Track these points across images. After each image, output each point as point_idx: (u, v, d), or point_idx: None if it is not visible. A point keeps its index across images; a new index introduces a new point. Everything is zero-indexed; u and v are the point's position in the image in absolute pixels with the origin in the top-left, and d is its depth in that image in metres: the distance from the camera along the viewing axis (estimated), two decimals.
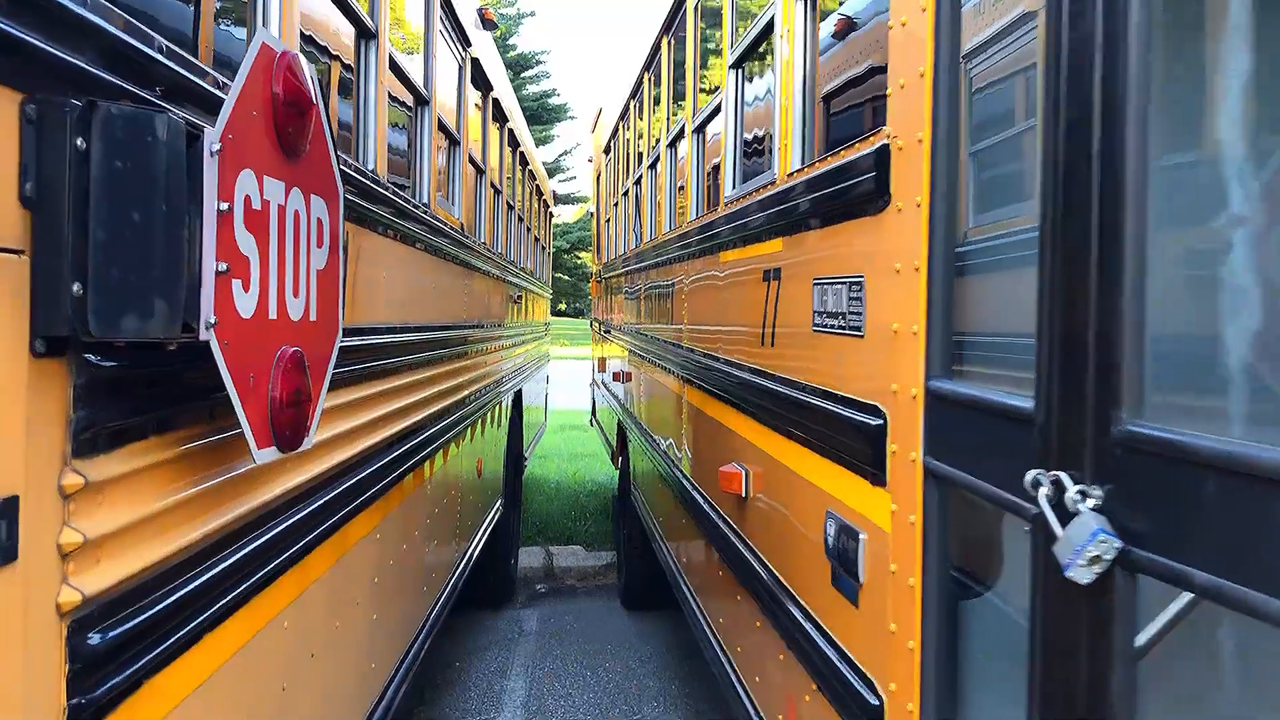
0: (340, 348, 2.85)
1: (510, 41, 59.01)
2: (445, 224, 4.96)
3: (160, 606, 1.80)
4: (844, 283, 2.63)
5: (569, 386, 25.63)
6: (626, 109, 8.79)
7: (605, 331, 11.01)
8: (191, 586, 1.93)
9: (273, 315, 1.94)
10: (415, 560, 4.50)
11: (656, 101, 6.99)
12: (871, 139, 2.44)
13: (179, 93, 1.80)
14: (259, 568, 2.27)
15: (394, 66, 3.86)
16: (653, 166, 7.24)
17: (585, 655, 7.63)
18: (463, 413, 5.69)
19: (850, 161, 2.58)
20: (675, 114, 6.16)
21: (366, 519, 3.46)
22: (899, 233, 2.26)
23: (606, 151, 11.24)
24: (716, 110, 4.65)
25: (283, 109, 1.93)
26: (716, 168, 4.76)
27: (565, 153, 66.93)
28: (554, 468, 15.16)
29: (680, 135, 5.82)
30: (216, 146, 1.70)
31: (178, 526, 1.86)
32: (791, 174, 3.21)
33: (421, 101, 4.63)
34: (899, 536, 2.24)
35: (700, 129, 5.22)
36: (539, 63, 65.38)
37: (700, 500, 4.71)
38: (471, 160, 6.28)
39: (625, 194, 9.14)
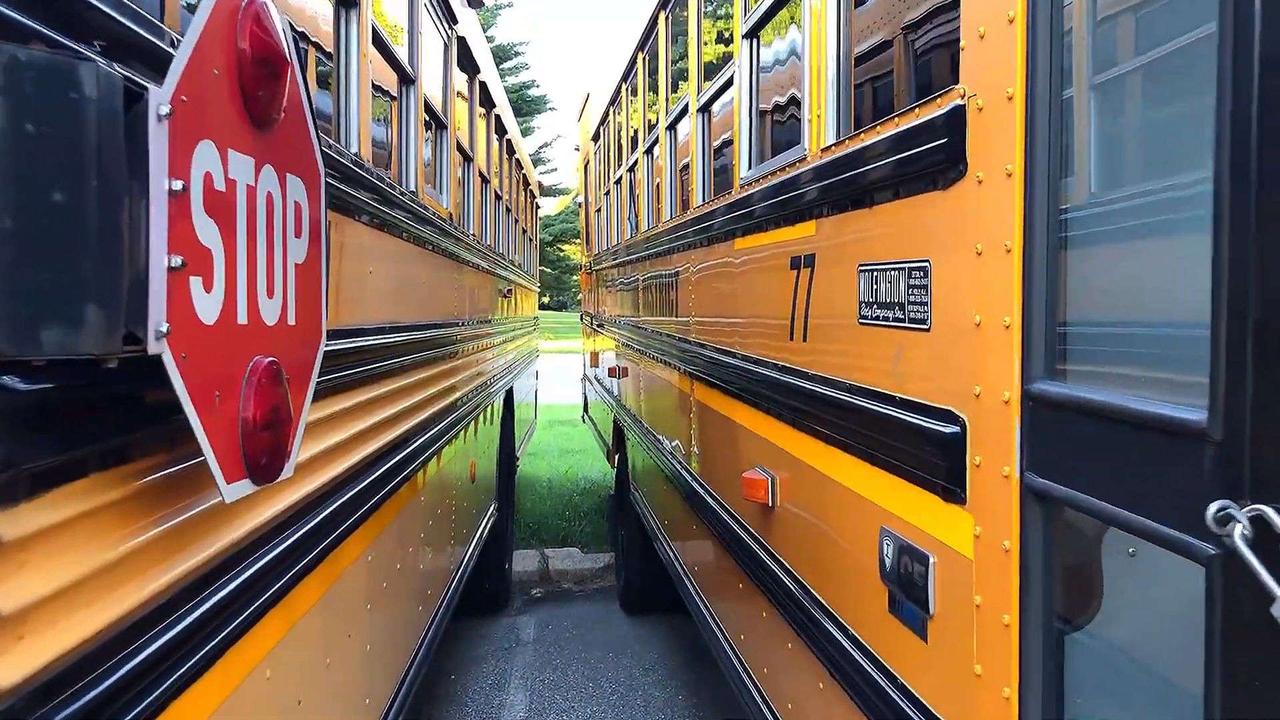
0: (325, 353, 2.51)
1: (489, 33, 58.45)
2: (434, 214, 4.60)
3: (111, 681, 1.46)
4: (901, 268, 2.30)
5: (557, 380, 25.26)
6: (618, 93, 8.43)
7: (597, 325, 10.66)
8: (151, 649, 1.58)
9: (243, 320, 1.59)
10: (410, 579, 4.15)
11: (653, 82, 6.64)
12: (939, 101, 2.11)
13: (130, 52, 1.44)
14: (234, 615, 1.92)
15: (377, 40, 3.50)
16: (650, 151, 6.88)
17: (586, 664, 7.29)
18: (456, 415, 5.34)
19: (909, 130, 2.24)
20: (676, 94, 5.81)
21: (357, 542, 3.11)
22: (980, 208, 1.93)
23: (595, 139, 10.87)
24: (726, 85, 4.30)
25: (251, 68, 1.58)
26: (727, 148, 4.42)
27: (546, 144, 66.56)
28: (545, 465, 14.81)
29: (682, 115, 5.47)
30: (166, 110, 1.35)
31: (130, 580, 1.51)
32: (827, 148, 2.87)
33: (406, 80, 4.26)
34: (987, 564, 1.91)
35: (706, 107, 4.87)
36: (518, 54, 64.92)
37: (715, 505, 4.38)
38: (459, 147, 5.92)
39: (618, 182, 8.78)
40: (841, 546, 2.79)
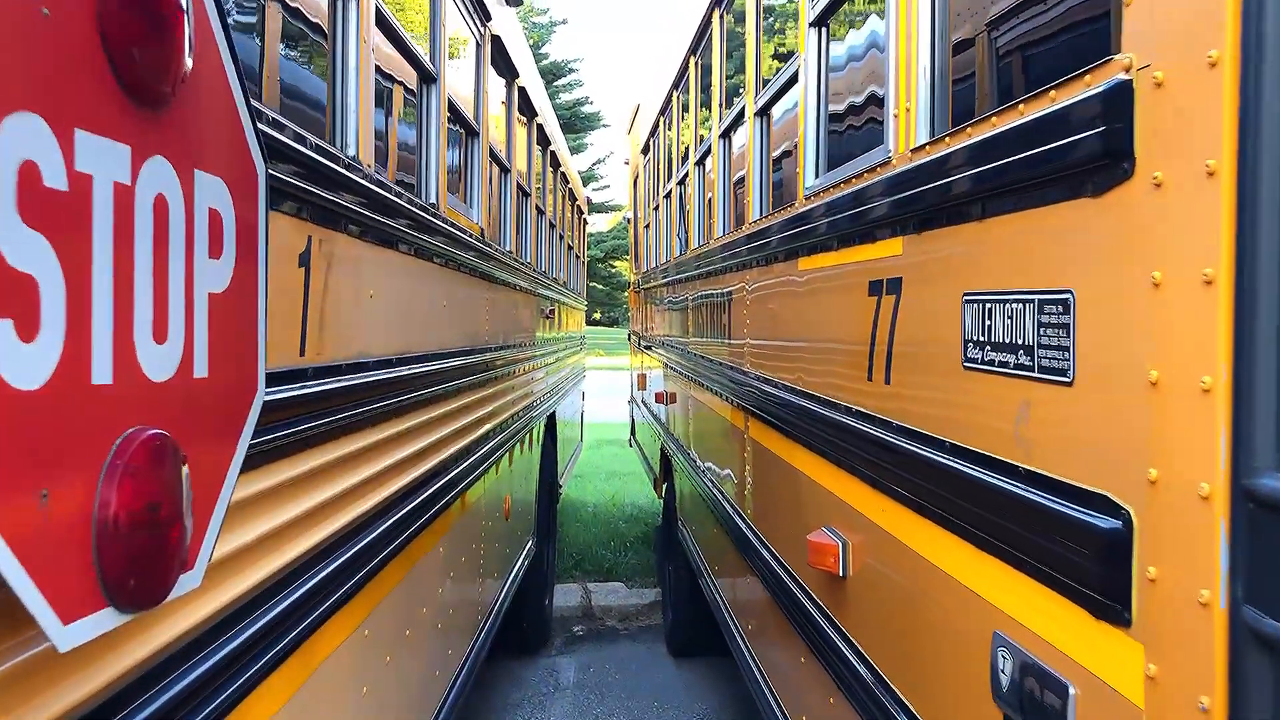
0: (298, 398, 2.02)
1: (543, 50, 58.58)
2: (459, 229, 4.12)
3: None
4: (1026, 300, 1.75)
5: (605, 398, 24.78)
6: (668, 102, 7.93)
7: (645, 346, 10.14)
8: None
9: (102, 379, 1.10)
10: (422, 647, 3.66)
11: (705, 88, 6.13)
12: (1087, 78, 1.56)
13: None
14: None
15: (383, 24, 3.02)
16: (701, 162, 6.37)
17: (629, 715, 6.75)
18: (486, 449, 4.86)
19: (1040, 120, 1.70)
20: (730, 99, 5.30)
21: (349, 616, 2.62)
22: (1158, 222, 1.38)
23: (645, 152, 10.39)
24: (789, 84, 3.77)
25: (118, 13, 1.09)
26: (789, 156, 3.90)
27: (599, 161, 66.61)
28: (591, 489, 14.31)
29: (737, 122, 4.95)
30: None
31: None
32: (918, 148, 2.33)
33: (426, 77, 3.79)
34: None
35: (764, 111, 4.34)
36: (571, 70, 65.13)
37: (772, 560, 3.83)
38: (494, 157, 5.45)
39: (667, 196, 8.28)
40: (936, 642, 2.24)
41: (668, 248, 8.39)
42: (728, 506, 4.87)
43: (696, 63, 6.43)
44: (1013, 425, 1.82)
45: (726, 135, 5.35)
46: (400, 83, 3.54)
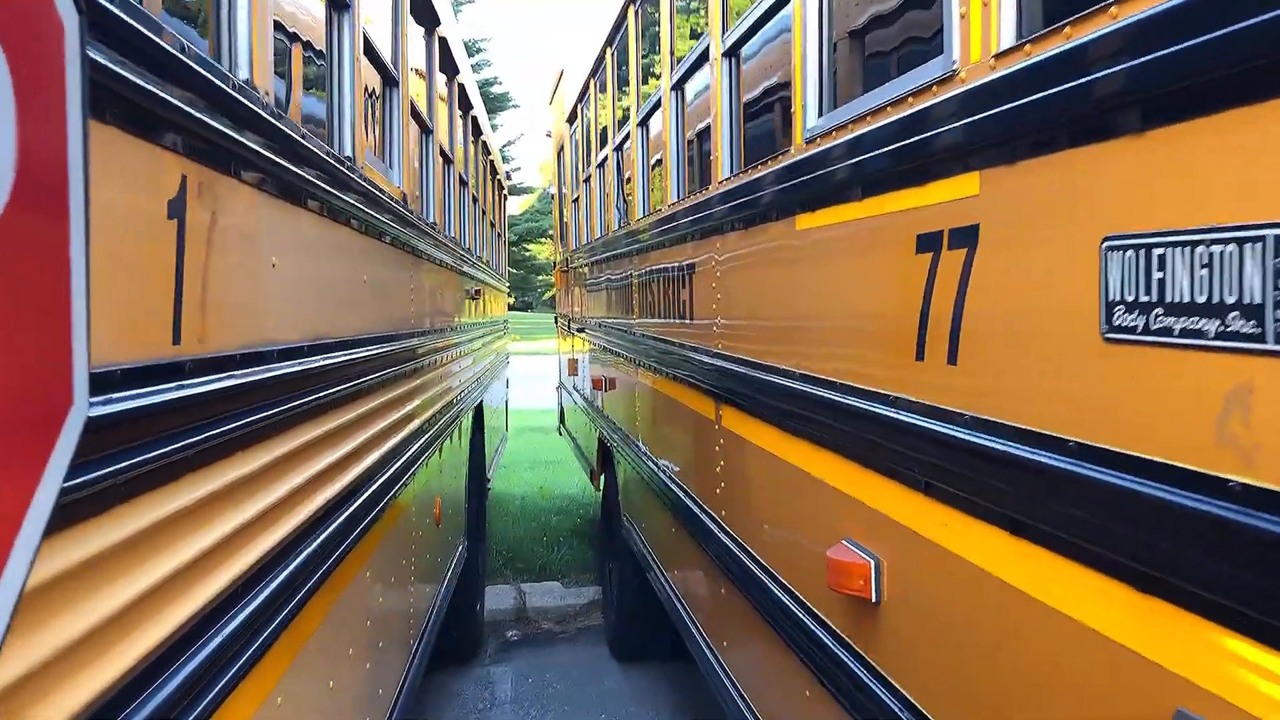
0: (170, 404, 1.39)
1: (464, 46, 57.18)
2: (379, 190, 3.46)
3: None
4: (1251, 239, 1.20)
5: (526, 383, 24.03)
6: (601, 61, 7.30)
7: (577, 329, 9.51)
8: None
9: None
10: (353, 686, 3.02)
11: (649, 34, 5.52)
12: None
13: None
14: None
15: None
16: (645, 122, 5.77)
17: None
18: (415, 450, 4.21)
19: None
20: (684, 44, 4.70)
21: (264, 674, 1.98)
22: None
23: (571, 120, 9.73)
24: (775, 8, 3.18)
25: None
26: (774, 96, 3.33)
27: (510, 143, 65.48)
28: (518, 480, 13.64)
29: (696, 67, 4.36)
30: None
31: None
32: (1005, 53, 1.76)
33: (339, 4, 3.12)
34: None
35: (735, 50, 3.75)
36: (480, 50, 63.90)
37: (760, 574, 3.28)
38: (415, 114, 4.77)
39: (601, 165, 7.65)
40: (1049, 712, 1.69)
41: (602, 222, 7.78)
42: (692, 506, 4.30)
43: (636, 12, 5.82)
44: (1214, 420, 1.27)
45: (680, 87, 4.75)
46: (307, 8, 2.87)
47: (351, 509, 2.92)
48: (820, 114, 2.77)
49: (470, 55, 60.85)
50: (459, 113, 7.06)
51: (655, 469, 5.29)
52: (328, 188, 2.64)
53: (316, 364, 2.52)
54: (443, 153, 5.89)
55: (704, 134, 4.26)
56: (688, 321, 4.37)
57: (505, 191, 13.69)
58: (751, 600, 3.39)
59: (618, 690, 6.84)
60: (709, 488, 4.05)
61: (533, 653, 7.68)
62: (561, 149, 10.93)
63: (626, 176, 6.52)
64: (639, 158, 5.85)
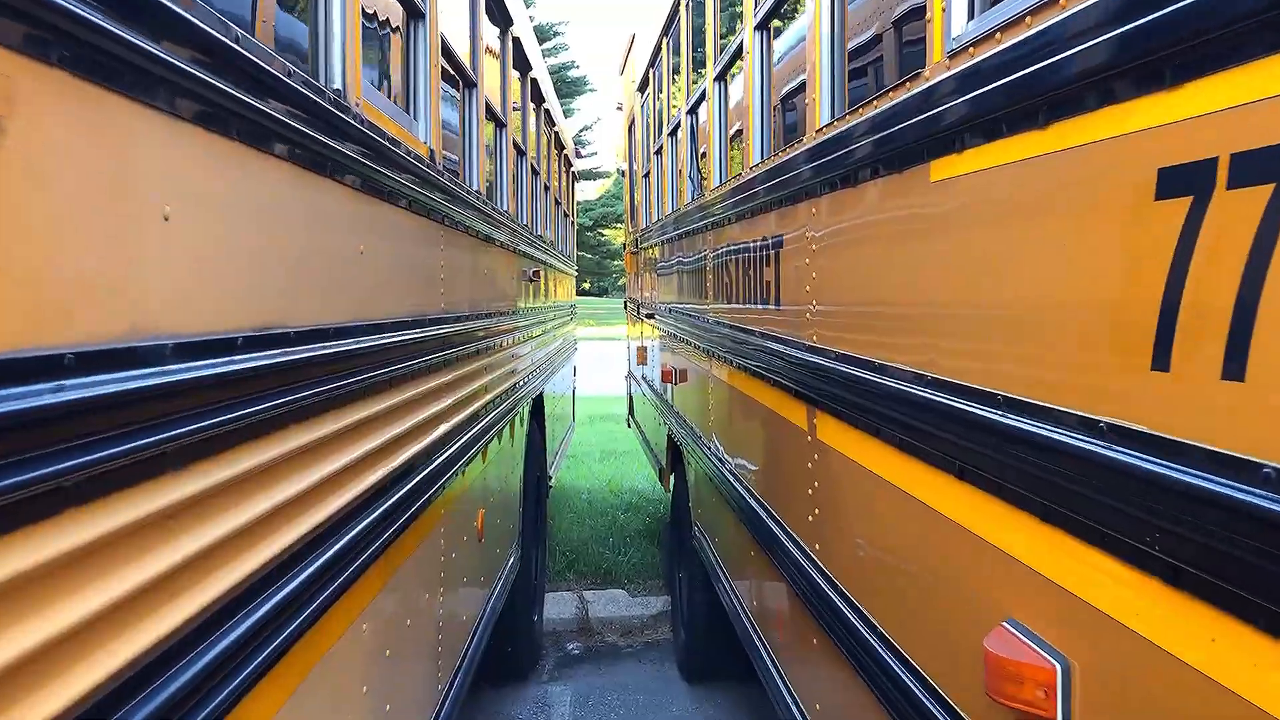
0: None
1: (529, 13, 56.84)
2: (389, 140, 2.75)
3: None
4: None
5: (598, 369, 23.41)
6: (675, 15, 6.52)
7: (646, 315, 8.77)
8: None
9: None
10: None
11: None
12: None
13: None
14: None
15: None
16: (722, 77, 4.99)
17: None
18: (444, 457, 3.53)
19: None
20: None
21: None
22: None
23: (643, 88, 8.97)
24: None
25: None
26: (888, 15, 2.53)
27: (586, 128, 65.02)
28: (585, 472, 12.99)
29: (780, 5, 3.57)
30: None
31: None
32: None
33: None
34: None
35: None
36: (557, 34, 63.57)
37: (870, 637, 2.51)
38: (451, 58, 4.06)
39: (674, 131, 6.88)
40: None
41: (673, 197, 7.02)
42: (776, 530, 3.54)
43: None
44: None
45: (765, 26, 3.96)
46: None
47: (356, 529, 2.24)
48: (970, 16, 1.98)
49: (547, 39, 60.60)
50: (514, 72, 6.35)
51: (730, 478, 4.54)
52: (295, 122, 1.94)
53: (295, 357, 1.83)
54: (491, 113, 5.18)
55: (795, 79, 3.48)
56: (772, 307, 3.60)
57: (574, 168, 12.96)
58: (854, 664, 2.62)
59: (686, 716, 6.13)
60: (798, 513, 3.28)
61: (594, 669, 7.00)
62: (632, 122, 10.18)
63: (700, 143, 5.75)
64: (715, 119, 5.08)
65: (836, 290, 2.84)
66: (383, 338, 2.66)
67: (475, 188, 4.49)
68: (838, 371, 2.76)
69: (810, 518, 3.13)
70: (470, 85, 4.50)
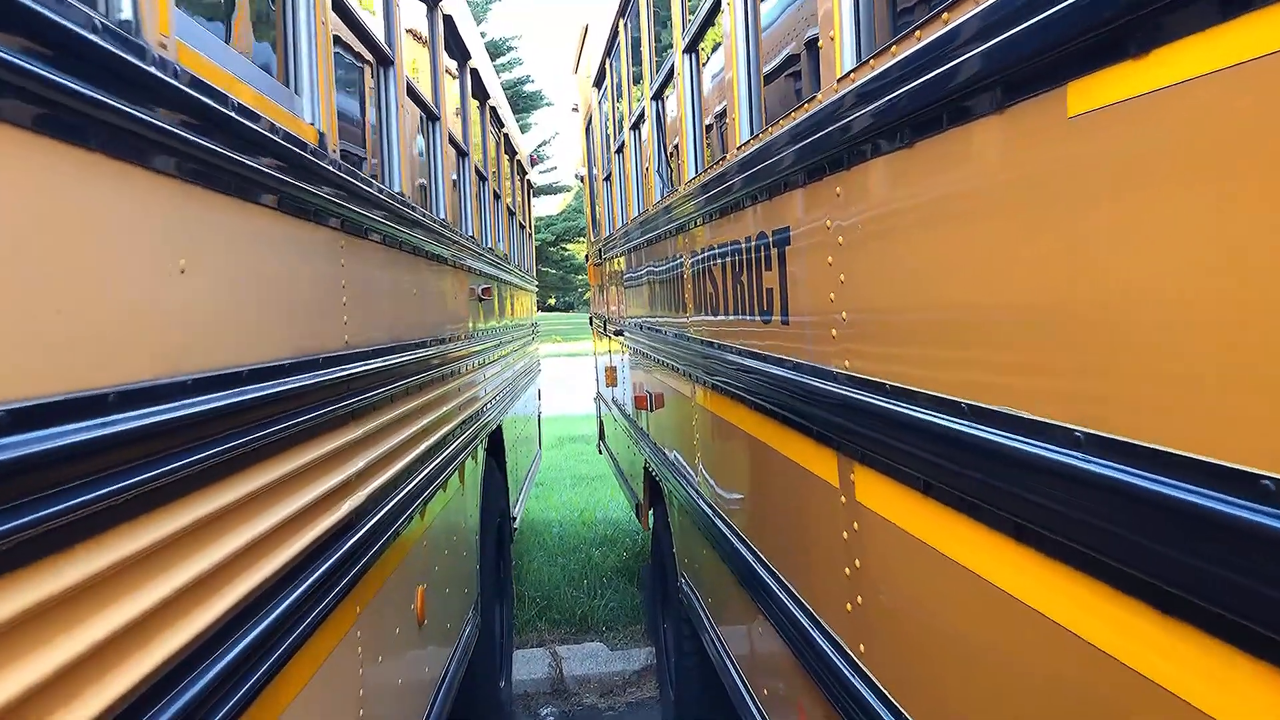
0: None
1: (479, 29, 56.10)
2: (230, 107, 1.91)
3: None
4: None
5: (564, 387, 22.51)
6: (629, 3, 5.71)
7: (615, 331, 7.92)
8: None
9: None
10: None
11: None
12: None
13: None
14: None
15: None
16: (692, 48, 4.18)
17: None
18: (366, 530, 2.70)
19: None
20: None
21: None
22: None
23: (599, 83, 8.15)
24: None
25: None
26: None
27: (544, 142, 64.20)
28: (554, 501, 12.11)
29: None
30: None
31: None
32: None
33: None
34: None
35: None
36: (511, 49, 62.86)
37: None
38: (355, 27, 3.23)
39: (637, 124, 6.07)
40: None
41: (640, 198, 6.19)
42: (797, 613, 2.72)
43: None
44: None
45: None
46: None
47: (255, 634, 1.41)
48: None
49: (501, 54, 59.83)
50: (450, 62, 5.50)
51: (726, 530, 3.71)
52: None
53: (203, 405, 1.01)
54: (416, 99, 4.32)
55: (793, 38, 2.67)
56: (776, 321, 2.78)
57: (529, 176, 12.09)
58: None
59: None
60: (830, 598, 2.46)
61: None
62: (590, 123, 9.35)
63: (670, 134, 4.95)
64: (688, 101, 4.26)
65: (882, 297, 2.02)
66: (236, 395, 1.82)
67: (396, 188, 3.63)
68: (890, 412, 1.94)
69: (849, 607, 2.31)
70: (386, 62, 3.65)
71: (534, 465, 10.58)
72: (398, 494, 3.15)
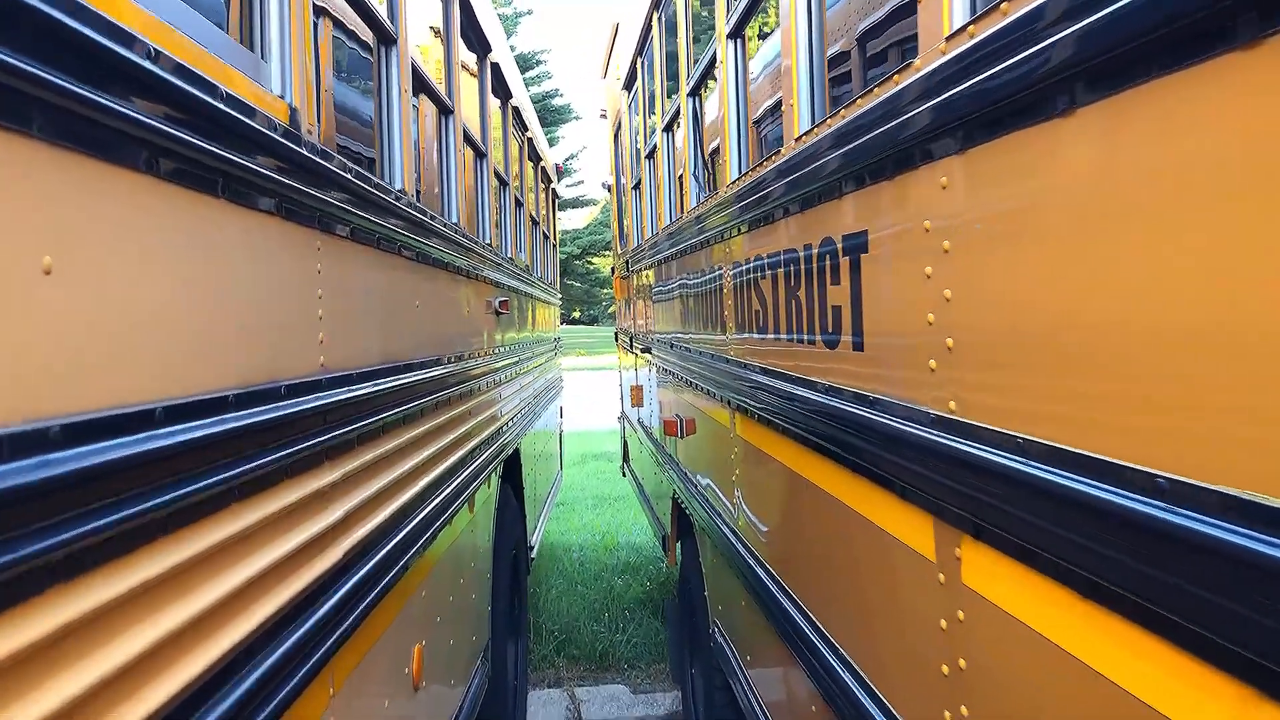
0: None
1: (509, 42, 56.01)
2: (166, 68, 1.44)
3: None
4: None
5: (587, 401, 22.00)
6: None
7: (642, 348, 7.43)
8: None
9: None
10: None
11: None
12: None
13: None
14: None
15: None
16: (736, 35, 3.70)
17: None
18: (349, 589, 2.22)
19: None
20: None
21: None
22: None
23: (630, 85, 7.68)
24: None
25: None
26: None
27: (572, 156, 63.99)
28: (575, 522, 11.60)
29: None
30: None
31: None
32: None
33: None
34: None
35: None
36: (540, 62, 62.93)
37: None
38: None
39: (670, 126, 5.58)
40: None
41: (673, 204, 5.71)
42: (864, 700, 2.21)
43: None
44: None
45: None
46: None
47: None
48: None
49: (530, 68, 59.75)
50: (467, 53, 5.04)
51: (769, 583, 3.20)
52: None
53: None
54: (434, 97, 3.85)
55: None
56: (845, 346, 2.28)
57: (554, 185, 11.62)
58: None
59: None
60: (915, 695, 1.94)
61: None
62: (619, 128, 8.88)
63: (710, 134, 4.46)
64: (732, 91, 3.77)
65: (1015, 319, 1.52)
66: (139, 444, 1.34)
67: (396, 186, 3.16)
68: (1026, 477, 1.44)
69: (948, 715, 1.79)
70: (387, 40, 3.18)
71: (555, 486, 10.09)
72: (389, 542, 2.66)
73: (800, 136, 2.68)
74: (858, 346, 2.21)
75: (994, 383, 1.59)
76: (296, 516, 1.97)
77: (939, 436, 1.75)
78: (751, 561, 3.48)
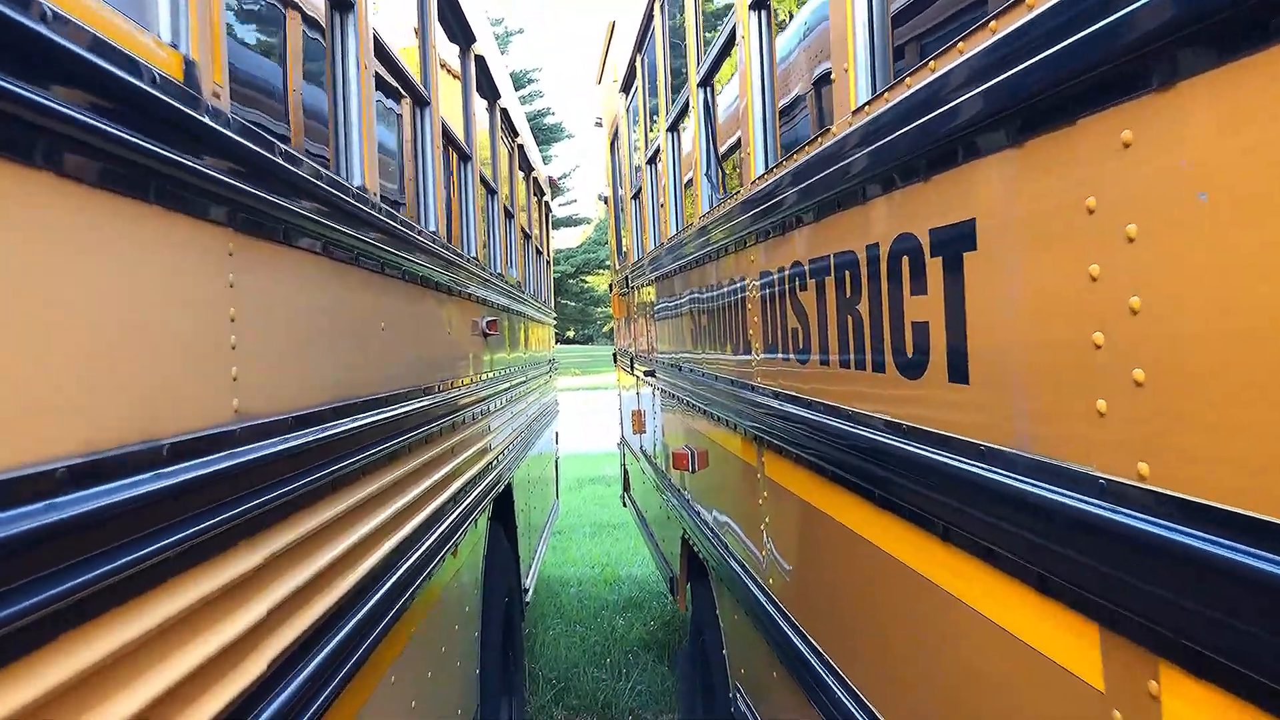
0: None
1: (502, 59, 55.76)
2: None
3: None
4: None
5: (583, 422, 21.36)
6: None
7: (645, 370, 6.85)
8: None
9: None
10: None
11: None
12: None
13: None
14: None
15: None
16: (761, 3, 3.15)
17: None
18: (301, 683, 1.64)
19: None
20: None
21: None
22: None
23: (628, 87, 7.14)
24: None
25: None
26: None
27: (565, 175, 63.55)
28: (573, 554, 10.99)
29: None
30: None
31: None
32: None
33: None
34: None
35: None
36: (531, 81, 62.74)
37: None
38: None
39: (675, 124, 5.03)
40: None
41: (678, 214, 5.15)
42: None
43: None
44: None
45: None
46: None
47: None
48: None
49: (521, 86, 59.44)
50: (449, 46, 4.49)
51: (814, 661, 2.63)
52: None
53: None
54: (415, 94, 3.29)
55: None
56: (935, 375, 1.72)
57: (547, 198, 11.07)
58: None
59: None
60: None
61: None
62: (616, 135, 8.34)
63: (724, 129, 3.91)
64: (756, 73, 3.22)
65: (1273, 335, 0.96)
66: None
67: (356, 183, 2.59)
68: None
69: None
70: (342, 4, 2.62)
71: (551, 516, 9.50)
72: (341, 630, 2.08)
73: (860, 108, 2.12)
74: (957, 379, 1.65)
75: (1218, 439, 1.03)
76: (192, 624, 1.40)
77: (1117, 514, 1.19)
78: (789, 631, 2.90)
